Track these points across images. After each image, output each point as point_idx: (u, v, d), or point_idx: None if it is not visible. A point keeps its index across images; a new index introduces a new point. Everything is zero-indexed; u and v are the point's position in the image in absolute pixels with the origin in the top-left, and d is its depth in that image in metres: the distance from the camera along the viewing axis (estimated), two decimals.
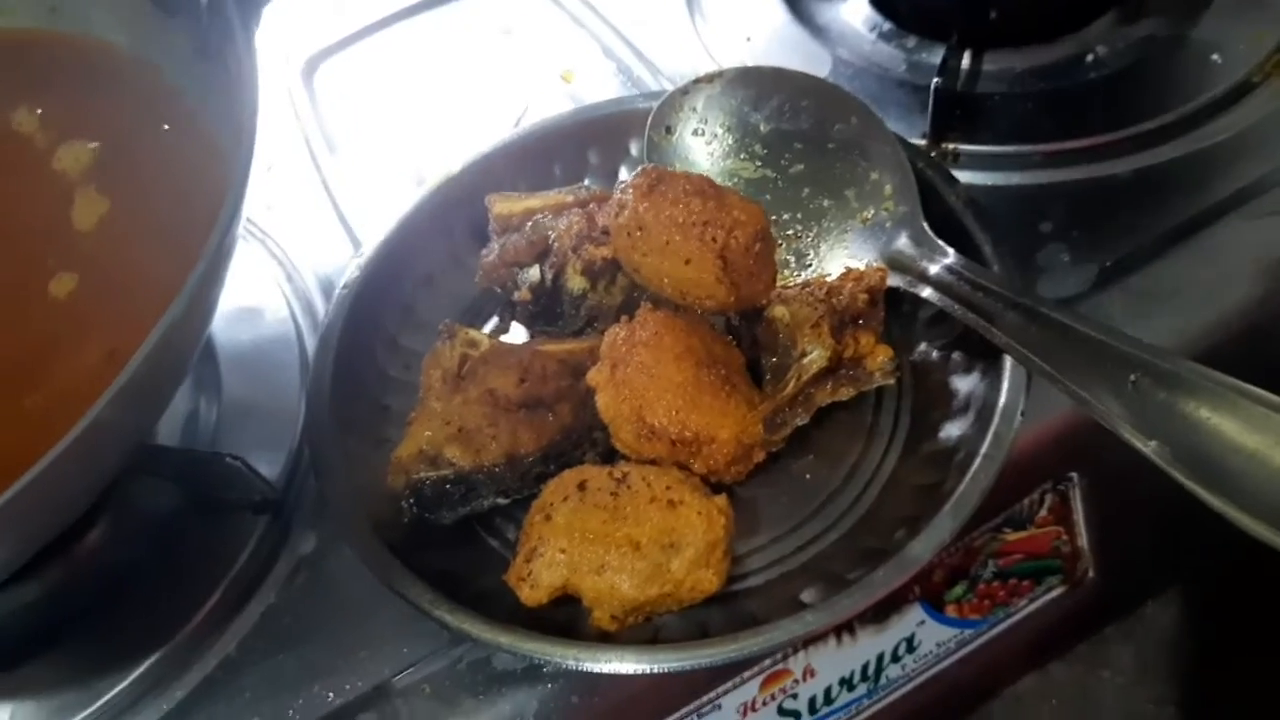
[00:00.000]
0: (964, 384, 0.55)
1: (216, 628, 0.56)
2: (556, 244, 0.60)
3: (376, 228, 0.64)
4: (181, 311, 0.44)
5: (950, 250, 0.55)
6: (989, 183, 0.66)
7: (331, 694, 0.53)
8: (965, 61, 0.72)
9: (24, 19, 0.64)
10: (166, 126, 0.58)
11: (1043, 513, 0.60)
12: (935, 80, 0.67)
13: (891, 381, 0.54)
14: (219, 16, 0.53)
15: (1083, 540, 0.62)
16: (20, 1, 0.64)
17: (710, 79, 0.64)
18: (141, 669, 0.54)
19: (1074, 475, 0.60)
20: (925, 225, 0.57)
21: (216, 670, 0.55)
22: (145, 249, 0.55)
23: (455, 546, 0.54)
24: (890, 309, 0.56)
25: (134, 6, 0.60)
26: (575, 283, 0.59)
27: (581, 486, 0.51)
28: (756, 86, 0.63)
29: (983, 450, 0.50)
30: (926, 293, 0.55)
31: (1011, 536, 0.60)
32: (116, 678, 0.54)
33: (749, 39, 0.77)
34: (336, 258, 0.68)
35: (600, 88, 0.76)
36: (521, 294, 0.59)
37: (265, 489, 0.58)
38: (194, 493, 0.59)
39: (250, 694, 0.53)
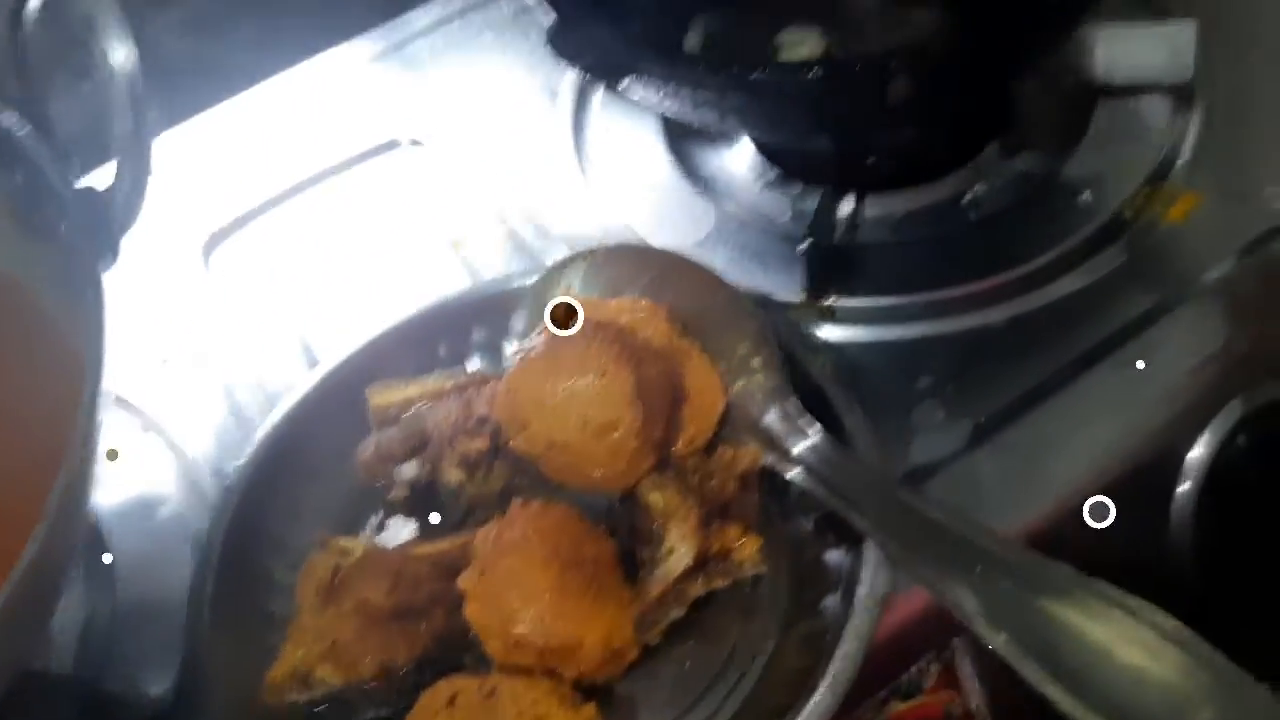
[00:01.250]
0: (835, 559, 0.55)
1: None
2: (434, 435, 0.60)
3: (262, 423, 0.64)
4: (26, 572, 0.44)
5: (813, 429, 0.55)
6: (868, 338, 0.66)
7: None
8: (846, 208, 0.72)
9: None
10: (30, 345, 0.59)
11: (931, 681, 0.60)
12: (803, 244, 0.67)
13: (763, 570, 0.54)
14: (75, 248, 0.54)
15: (976, 702, 0.62)
16: None
17: (585, 256, 0.65)
18: None
19: (956, 642, 0.60)
20: (791, 400, 0.57)
21: None
22: (4, 483, 0.55)
23: None
24: (769, 477, 0.56)
25: None
26: (451, 475, 0.59)
27: (452, 701, 0.51)
28: (626, 264, 0.64)
29: (845, 642, 0.50)
30: (792, 473, 0.55)
31: (901, 706, 0.60)
32: None
33: (635, 196, 0.77)
34: (233, 447, 0.68)
35: (490, 254, 0.77)
36: (397, 492, 0.60)
37: (154, 705, 0.58)
38: (83, 712, 0.59)
39: None
